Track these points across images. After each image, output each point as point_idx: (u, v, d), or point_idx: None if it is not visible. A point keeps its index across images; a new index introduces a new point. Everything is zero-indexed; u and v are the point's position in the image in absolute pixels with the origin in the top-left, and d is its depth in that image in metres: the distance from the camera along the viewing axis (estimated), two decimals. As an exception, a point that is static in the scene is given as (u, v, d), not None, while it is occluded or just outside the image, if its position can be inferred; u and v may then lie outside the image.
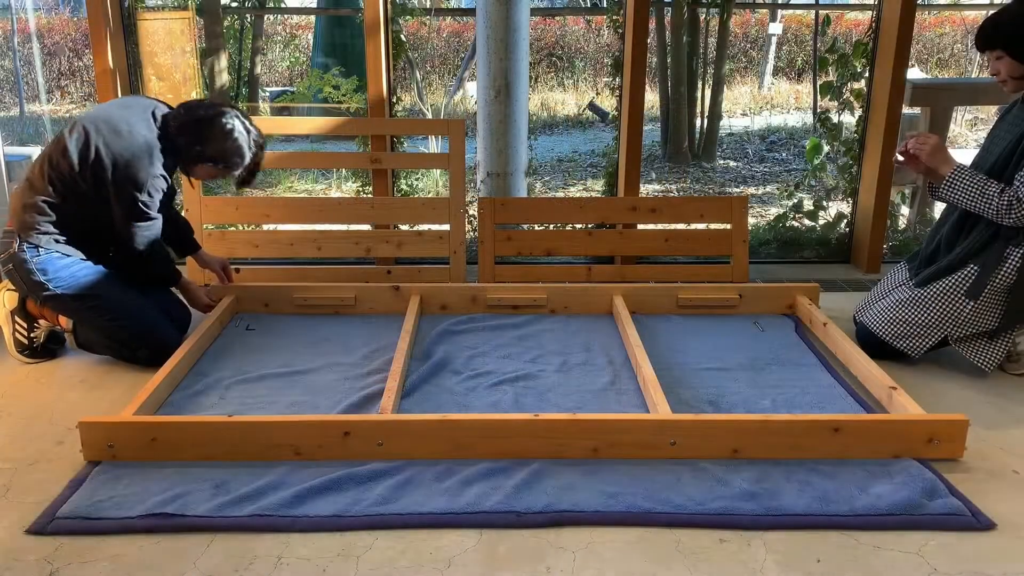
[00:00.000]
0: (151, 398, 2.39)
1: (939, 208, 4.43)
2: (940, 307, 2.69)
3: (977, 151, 2.80)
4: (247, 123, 2.80)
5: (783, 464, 2.17)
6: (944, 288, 2.68)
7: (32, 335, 2.81)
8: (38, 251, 2.63)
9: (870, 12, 3.81)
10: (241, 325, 3.11)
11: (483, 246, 3.56)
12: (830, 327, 2.96)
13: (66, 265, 2.66)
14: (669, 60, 6.74)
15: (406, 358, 2.71)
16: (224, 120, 2.73)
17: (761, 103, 9.77)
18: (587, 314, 3.24)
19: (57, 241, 2.66)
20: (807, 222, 4.25)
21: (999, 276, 2.59)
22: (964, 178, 2.59)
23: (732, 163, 7.28)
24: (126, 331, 2.74)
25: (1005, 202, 2.50)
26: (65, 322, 2.81)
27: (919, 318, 2.73)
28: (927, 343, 2.74)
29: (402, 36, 3.74)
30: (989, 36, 2.58)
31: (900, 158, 2.75)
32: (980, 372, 2.75)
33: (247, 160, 2.81)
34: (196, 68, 3.91)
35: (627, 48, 3.56)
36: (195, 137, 2.71)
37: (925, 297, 2.71)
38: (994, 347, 2.69)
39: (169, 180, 2.76)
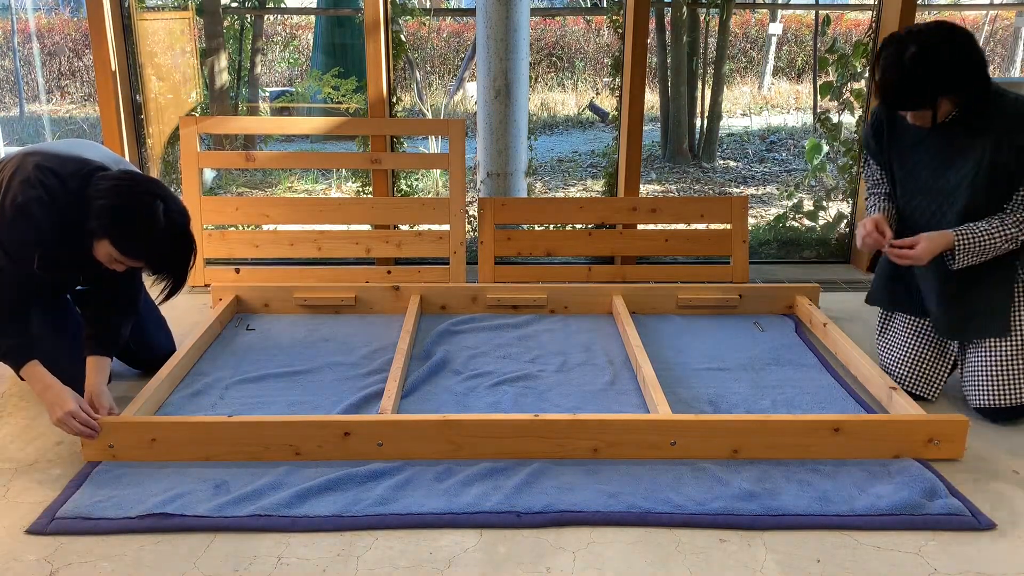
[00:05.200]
0: (151, 398, 2.39)
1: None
2: None
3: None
4: (176, 211, 2.17)
5: (783, 464, 2.17)
6: None
7: None
8: None
9: (870, 12, 3.81)
10: (241, 325, 3.12)
11: (483, 246, 3.56)
12: (830, 327, 2.96)
13: None
14: (669, 60, 6.74)
15: (406, 358, 2.71)
16: (151, 202, 2.11)
17: (761, 103, 9.77)
18: (587, 314, 3.24)
19: None
20: (807, 222, 4.25)
21: None
22: (971, 238, 2.30)
23: (732, 163, 7.27)
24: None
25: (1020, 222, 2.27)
26: None
27: None
28: None
29: (402, 36, 3.74)
30: (926, 91, 2.20)
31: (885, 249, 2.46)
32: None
33: (148, 252, 2.14)
34: (196, 68, 3.91)
35: (627, 48, 3.56)
36: (104, 206, 2.10)
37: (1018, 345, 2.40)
38: None
39: (54, 254, 2.18)
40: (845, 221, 4.06)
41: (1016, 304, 2.41)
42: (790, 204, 4.33)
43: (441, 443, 2.17)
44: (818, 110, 6.27)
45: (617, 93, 3.79)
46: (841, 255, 4.04)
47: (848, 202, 4.04)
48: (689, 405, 2.50)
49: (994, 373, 2.41)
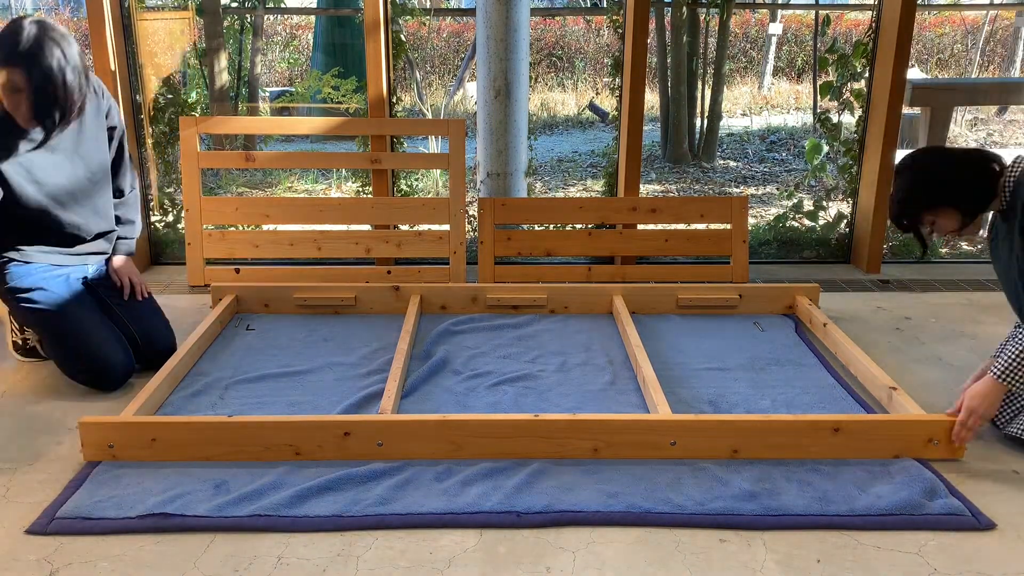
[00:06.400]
0: (151, 398, 2.39)
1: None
2: None
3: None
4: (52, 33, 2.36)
5: (783, 464, 2.17)
6: None
7: (24, 335, 2.79)
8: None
9: (870, 12, 3.81)
10: (241, 325, 3.12)
11: (483, 246, 3.57)
12: (830, 327, 2.96)
13: (29, 272, 2.58)
14: (669, 60, 6.73)
15: (406, 358, 2.71)
16: (20, 20, 2.32)
17: (761, 103, 9.77)
18: (587, 314, 3.24)
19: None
20: (807, 222, 4.25)
21: None
22: (1013, 369, 2.14)
23: (732, 163, 7.27)
24: (64, 351, 2.60)
25: None
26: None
27: None
28: None
29: (402, 36, 3.74)
30: (920, 203, 2.19)
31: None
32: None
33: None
34: (196, 68, 3.91)
35: (627, 48, 3.56)
36: None
37: None
38: None
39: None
40: (845, 221, 4.06)
41: None
42: (790, 204, 4.33)
43: (441, 443, 2.17)
44: (818, 110, 6.28)
45: (617, 93, 3.79)
46: (841, 255, 4.04)
47: (848, 202, 4.04)
48: (689, 405, 2.50)
49: None
